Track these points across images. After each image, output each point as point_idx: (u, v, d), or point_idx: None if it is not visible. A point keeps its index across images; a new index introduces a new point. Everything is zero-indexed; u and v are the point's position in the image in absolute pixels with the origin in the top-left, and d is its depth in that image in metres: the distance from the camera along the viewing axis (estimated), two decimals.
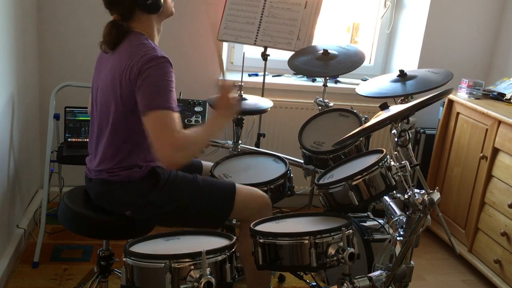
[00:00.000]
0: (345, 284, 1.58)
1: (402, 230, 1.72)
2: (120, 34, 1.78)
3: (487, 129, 2.80)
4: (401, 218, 1.77)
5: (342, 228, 1.57)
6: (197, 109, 2.52)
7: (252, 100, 2.63)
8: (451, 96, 3.07)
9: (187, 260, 1.43)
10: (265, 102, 2.65)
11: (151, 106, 1.67)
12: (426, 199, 1.57)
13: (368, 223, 2.06)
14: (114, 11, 1.79)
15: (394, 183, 1.71)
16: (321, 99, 2.70)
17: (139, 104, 1.71)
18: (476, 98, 3.00)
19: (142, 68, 1.70)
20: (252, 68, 3.37)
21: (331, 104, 2.67)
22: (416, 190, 1.63)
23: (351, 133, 1.73)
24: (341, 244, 1.56)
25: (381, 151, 1.82)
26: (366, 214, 2.15)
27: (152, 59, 1.71)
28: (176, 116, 1.70)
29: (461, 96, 3.05)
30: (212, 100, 1.97)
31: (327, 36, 3.58)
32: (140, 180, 1.84)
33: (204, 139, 1.85)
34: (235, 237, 1.59)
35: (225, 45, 3.27)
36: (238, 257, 1.61)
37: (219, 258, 1.48)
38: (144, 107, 1.69)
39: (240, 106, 1.99)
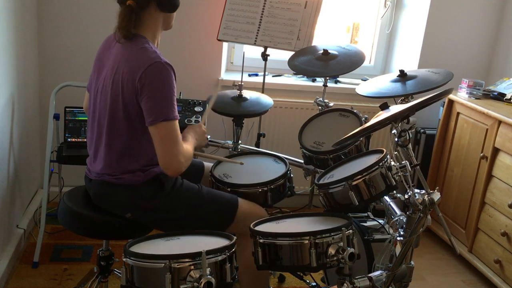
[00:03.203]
0: (345, 284, 1.58)
1: (402, 230, 1.72)
2: (138, 20, 1.77)
3: (487, 129, 2.80)
4: (401, 218, 1.77)
5: (342, 228, 1.57)
6: (197, 109, 2.52)
7: (254, 95, 2.60)
8: (451, 96, 3.06)
9: (187, 260, 1.43)
10: (266, 98, 2.62)
11: (159, 116, 1.71)
12: (426, 199, 1.57)
13: (368, 223, 2.06)
14: None
15: (394, 183, 1.71)
16: (321, 99, 2.69)
17: (145, 112, 1.73)
18: (476, 98, 3.00)
19: (145, 74, 1.70)
20: (252, 68, 3.37)
21: (331, 104, 2.67)
22: (416, 190, 1.63)
23: (351, 133, 1.73)
24: (341, 244, 1.56)
25: (381, 151, 1.82)
26: (366, 214, 2.14)
27: (155, 65, 1.71)
28: (178, 124, 1.77)
29: (461, 96, 3.05)
30: (192, 127, 2.06)
31: (327, 36, 3.58)
32: (143, 184, 1.85)
33: (192, 152, 1.91)
34: (235, 237, 1.59)
35: (225, 45, 3.27)
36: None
37: (219, 258, 1.48)
38: (152, 117, 1.72)
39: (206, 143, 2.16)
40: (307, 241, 1.55)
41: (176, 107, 1.76)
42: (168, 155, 1.74)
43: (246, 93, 2.60)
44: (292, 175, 2.17)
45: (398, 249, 1.70)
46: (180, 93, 2.88)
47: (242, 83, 2.62)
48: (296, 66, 2.61)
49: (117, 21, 1.78)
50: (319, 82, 3.41)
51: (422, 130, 3.38)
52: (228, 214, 1.93)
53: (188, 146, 1.85)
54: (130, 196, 1.85)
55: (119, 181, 1.83)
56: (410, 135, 1.66)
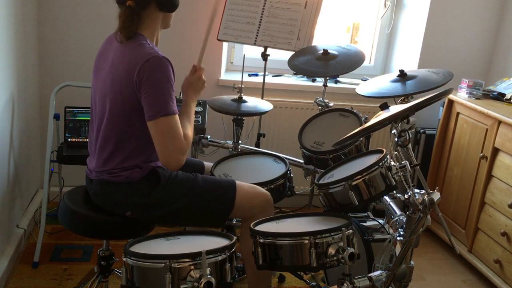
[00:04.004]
0: (345, 284, 1.58)
1: (402, 230, 1.72)
2: (139, 20, 1.78)
3: (487, 129, 2.80)
4: (401, 218, 1.77)
5: (342, 228, 1.57)
6: (197, 109, 2.52)
7: (252, 102, 2.62)
8: (451, 96, 3.06)
9: (187, 260, 1.44)
10: (264, 104, 2.63)
11: (159, 111, 1.71)
12: (426, 199, 1.57)
13: (368, 223, 2.06)
14: None
15: (394, 183, 1.71)
16: (321, 99, 2.70)
17: (145, 107, 1.73)
18: (476, 98, 3.00)
19: (143, 69, 1.70)
20: (252, 68, 3.36)
21: (331, 104, 2.67)
22: (416, 190, 1.63)
23: (351, 133, 1.73)
24: (341, 244, 1.56)
25: (381, 151, 1.82)
26: (366, 214, 2.15)
27: (153, 59, 1.72)
28: (178, 118, 1.76)
29: (461, 96, 3.05)
30: (186, 82, 2.01)
31: (327, 36, 3.58)
32: (140, 181, 1.85)
33: (192, 132, 1.90)
34: (235, 237, 1.59)
35: (225, 45, 3.27)
36: (239, 257, 1.60)
37: (219, 258, 1.48)
38: (152, 112, 1.72)
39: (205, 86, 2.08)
40: (307, 241, 1.55)
41: (174, 101, 1.75)
42: (168, 150, 1.73)
43: (246, 98, 2.61)
44: (292, 175, 2.17)
45: (398, 249, 1.70)
46: (180, 93, 2.88)
47: (242, 86, 2.62)
48: (296, 66, 2.61)
49: (118, 23, 1.79)
50: (319, 82, 3.41)
51: (422, 130, 3.38)
52: (227, 199, 1.91)
53: (188, 131, 1.83)
54: (129, 193, 1.85)
55: (117, 178, 1.84)
56: (410, 135, 1.66)
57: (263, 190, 2.00)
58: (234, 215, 1.95)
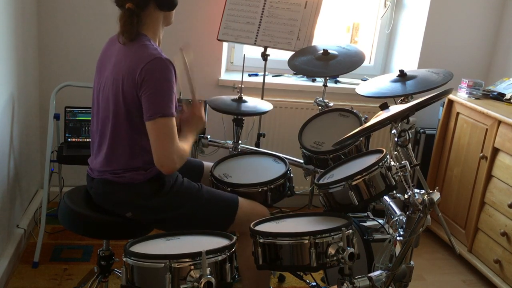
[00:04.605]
0: (345, 284, 1.58)
1: (402, 230, 1.72)
2: (140, 21, 1.78)
3: (487, 129, 2.80)
4: (401, 218, 1.77)
5: (342, 228, 1.57)
6: None
7: (252, 103, 2.62)
8: (451, 96, 3.07)
9: (187, 260, 1.43)
10: (264, 105, 2.63)
11: (157, 112, 1.71)
12: (426, 199, 1.57)
13: (368, 223, 2.06)
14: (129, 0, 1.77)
15: (394, 183, 1.71)
16: (321, 99, 2.69)
17: (144, 107, 1.73)
18: (476, 98, 3.00)
19: (145, 69, 1.71)
20: (252, 68, 3.37)
21: (331, 104, 2.67)
22: (416, 190, 1.63)
23: (351, 133, 1.73)
24: (341, 244, 1.56)
25: (381, 151, 1.82)
26: (366, 214, 2.14)
27: (156, 60, 1.72)
28: (175, 122, 1.76)
29: (461, 96, 3.05)
30: (183, 115, 2.01)
31: (327, 36, 3.58)
32: (144, 183, 1.85)
33: (189, 151, 1.90)
34: (235, 237, 1.59)
35: (225, 45, 3.27)
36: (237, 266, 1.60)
37: (219, 258, 1.48)
38: (150, 112, 1.72)
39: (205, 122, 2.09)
40: (307, 241, 1.55)
41: (174, 104, 1.76)
42: (163, 152, 1.73)
43: (246, 99, 2.61)
44: (292, 175, 2.17)
45: (398, 249, 1.70)
46: (180, 93, 2.88)
47: (242, 86, 2.62)
48: (296, 66, 2.61)
49: (119, 26, 1.79)
50: (319, 82, 3.41)
51: (422, 130, 3.38)
52: (228, 214, 1.93)
53: (185, 146, 1.85)
54: (131, 194, 1.85)
55: (120, 179, 1.84)
56: (410, 135, 1.66)
57: (262, 207, 2.01)
58: (232, 229, 1.96)
